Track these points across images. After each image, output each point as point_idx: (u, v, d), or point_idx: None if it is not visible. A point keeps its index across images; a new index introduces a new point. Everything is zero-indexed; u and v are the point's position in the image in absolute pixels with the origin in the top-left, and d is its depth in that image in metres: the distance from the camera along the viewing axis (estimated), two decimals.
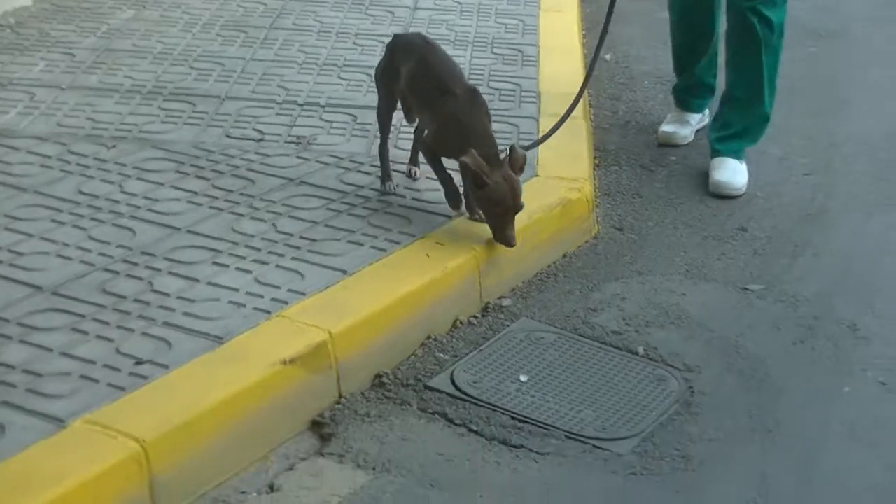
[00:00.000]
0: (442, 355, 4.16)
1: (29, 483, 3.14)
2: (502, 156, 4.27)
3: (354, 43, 6.41)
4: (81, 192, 4.65)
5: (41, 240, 4.30)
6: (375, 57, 5.84)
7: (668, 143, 5.94)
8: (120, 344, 3.71)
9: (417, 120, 4.73)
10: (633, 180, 5.51)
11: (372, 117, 5.16)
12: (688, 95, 5.99)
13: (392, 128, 4.83)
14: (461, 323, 4.33)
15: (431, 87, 4.45)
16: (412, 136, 4.87)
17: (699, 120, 6.02)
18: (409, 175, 4.81)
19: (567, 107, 5.07)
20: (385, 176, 4.72)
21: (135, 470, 3.31)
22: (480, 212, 4.38)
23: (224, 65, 5.96)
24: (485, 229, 4.38)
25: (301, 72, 5.95)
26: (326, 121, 5.39)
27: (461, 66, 4.97)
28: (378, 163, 4.88)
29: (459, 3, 7.23)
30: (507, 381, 4.06)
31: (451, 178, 4.44)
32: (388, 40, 4.89)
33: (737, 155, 5.57)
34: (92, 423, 3.39)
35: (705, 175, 5.49)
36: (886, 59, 7.11)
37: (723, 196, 5.51)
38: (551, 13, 7.15)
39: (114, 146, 5.02)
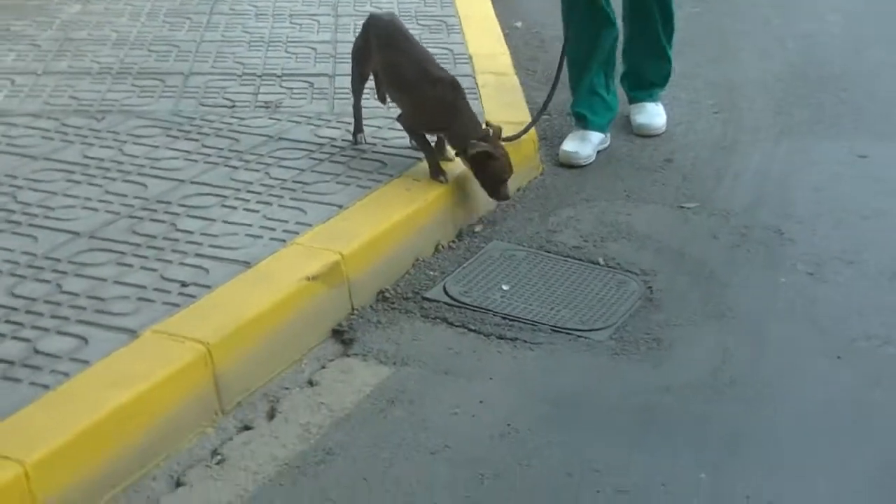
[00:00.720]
0: (431, 272, 4.78)
1: (117, 381, 3.66)
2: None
3: (291, 22, 7.00)
4: (87, 157, 5.15)
5: (64, 196, 4.79)
6: (314, 33, 6.54)
7: (568, 164, 5.90)
8: (163, 272, 4.25)
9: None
10: (564, 127, 6.14)
11: (326, 83, 5.81)
12: (588, 111, 5.96)
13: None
14: (442, 247, 4.94)
15: (411, 73, 5.09)
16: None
17: (601, 140, 6.02)
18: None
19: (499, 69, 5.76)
20: (357, 130, 5.32)
21: (202, 368, 3.85)
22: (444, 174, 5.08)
23: (179, 46, 6.51)
24: (451, 167, 5.13)
25: (251, 49, 6.52)
26: (287, 88, 5.97)
27: None
28: (347, 119, 5.51)
29: None
30: (492, 291, 4.68)
31: (433, 152, 5.11)
32: (362, 20, 5.50)
33: (652, 98, 6.20)
34: (160, 333, 3.92)
35: (628, 119, 6.17)
36: (763, 15, 7.90)
37: (646, 135, 6.15)
38: None
39: (103, 118, 5.52)
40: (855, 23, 7.74)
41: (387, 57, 5.11)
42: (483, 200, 5.14)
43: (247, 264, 4.30)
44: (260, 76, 6.07)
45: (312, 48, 6.46)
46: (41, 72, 6.06)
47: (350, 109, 5.49)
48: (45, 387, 3.59)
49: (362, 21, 5.46)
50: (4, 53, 6.28)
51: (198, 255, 4.35)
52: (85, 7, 7.11)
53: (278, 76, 6.08)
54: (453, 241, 4.97)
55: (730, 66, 6.95)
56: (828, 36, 7.50)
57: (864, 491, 3.64)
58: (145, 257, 4.33)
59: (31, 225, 4.55)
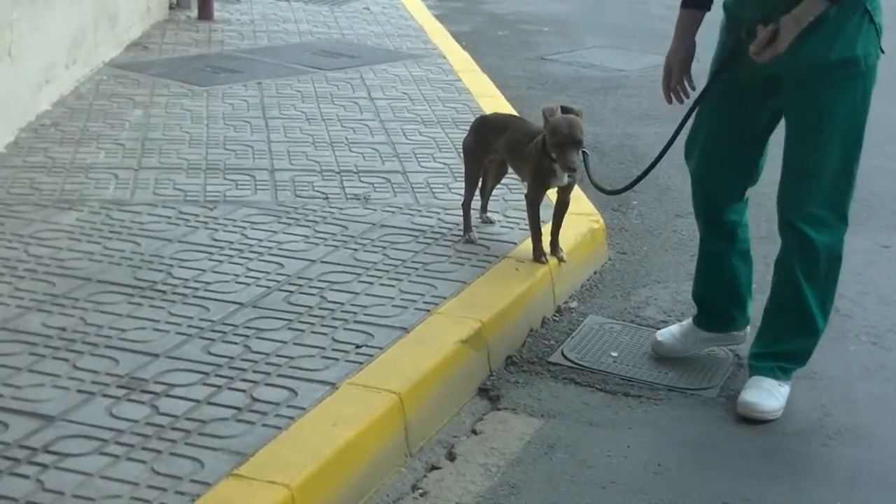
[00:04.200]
0: (546, 341, 5.37)
1: (337, 422, 4.21)
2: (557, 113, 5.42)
3: (343, 126, 7.59)
4: (216, 240, 5.68)
5: (214, 272, 5.31)
6: (369, 136, 7.18)
7: (661, 354, 5.35)
8: (334, 335, 4.79)
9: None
10: (613, 219, 6.81)
11: (401, 178, 6.43)
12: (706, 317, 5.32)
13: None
14: (548, 320, 5.55)
15: (525, 139, 5.72)
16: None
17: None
18: (488, 221, 6.06)
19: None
20: (467, 228, 5.94)
21: (398, 414, 4.41)
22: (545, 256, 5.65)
23: (252, 146, 7.08)
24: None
25: (318, 148, 7.12)
26: (367, 182, 6.57)
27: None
28: (436, 209, 6.23)
29: (406, 94, 8.46)
30: (604, 356, 5.29)
31: (541, 234, 5.67)
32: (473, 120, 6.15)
33: (774, 374, 4.92)
34: (356, 385, 4.47)
35: (668, 212, 6.92)
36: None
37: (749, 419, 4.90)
38: (486, 99, 8.45)
39: (214, 207, 6.07)
40: None
41: (502, 140, 5.74)
42: (572, 281, 5.77)
43: (405, 330, 4.84)
44: (338, 172, 6.64)
45: (374, 149, 7.05)
46: (137, 167, 6.56)
47: (436, 202, 6.20)
48: (278, 428, 4.07)
49: (410, 126, 6.24)
50: (95, 152, 6.78)
51: (357, 321, 4.89)
52: (147, 111, 7.61)
53: (355, 172, 6.66)
54: (556, 315, 5.57)
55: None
56: None
57: None
58: (311, 323, 4.86)
59: (196, 297, 5.04)
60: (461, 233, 5.91)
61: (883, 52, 4.60)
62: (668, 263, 6.23)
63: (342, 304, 5.03)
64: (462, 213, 5.93)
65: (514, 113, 7.29)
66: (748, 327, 5.31)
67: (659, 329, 5.45)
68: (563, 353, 5.21)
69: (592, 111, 8.84)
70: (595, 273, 6.04)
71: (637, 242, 6.51)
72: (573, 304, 5.67)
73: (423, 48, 9.98)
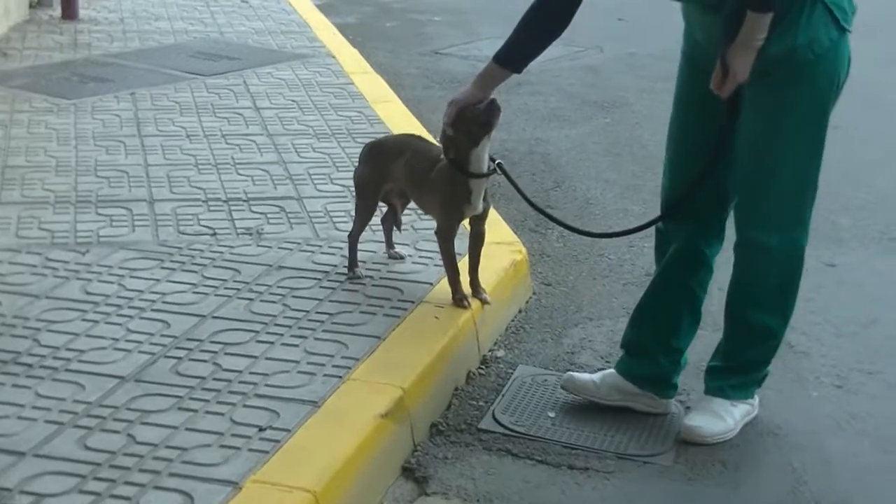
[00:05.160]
0: (474, 402, 4.70)
1: None
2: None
3: (228, 143, 6.82)
4: (90, 293, 4.94)
5: (88, 336, 4.61)
6: (256, 154, 6.39)
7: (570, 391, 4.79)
8: (232, 415, 4.10)
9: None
10: (532, 242, 6.13)
11: (297, 206, 5.68)
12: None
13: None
14: (473, 374, 4.87)
15: (426, 166, 5.01)
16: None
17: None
18: (396, 257, 5.35)
19: None
20: (353, 264, 5.23)
21: None
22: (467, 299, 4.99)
23: (128, 171, 6.30)
24: (466, 290, 5.06)
25: (202, 172, 6.35)
26: (259, 213, 5.83)
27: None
28: (338, 244, 5.50)
29: (294, 101, 7.70)
30: (541, 418, 4.62)
31: (458, 273, 5.02)
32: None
33: (724, 393, 4.59)
34: (262, 483, 3.77)
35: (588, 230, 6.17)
36: None
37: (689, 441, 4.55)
38: (382, 104, 7.72)
39: (87, 251, 5.29)
40: None
41: (399, 166, 5.04)
42: (495, 324, 5.07)
43: (314, 404, 4.16)
44: (226, 201, 5.90)
45: (264, 170, 6.32)
46: None
47: (337, 234, 5.52)
48: None
49: (302, 140, 5.65)
50: None
51: (258, 395, 4.22)
52: (6, 131, 6.82)
53: (244, 200, 5.94)
54: (481, 368, 4.92)
55: None
56: None
57: None
58: (205, 400, 4.17)
59: (68, 370, 4.33)
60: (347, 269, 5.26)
61: (847, 30, 4.10)
62: (598, 295, 5.58)
63: (239, 371, 4.35)
64: (349, 248, 5.25)
65: (412, 127, 6.65)
66: (672, 402, 4.74)
67: None
68: (494, 417, 4.55)
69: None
70: (520, 311, 5.38)
71: (562, 271, 5.85)
72: (500, 353, 5.01)
73: (309, 46, 9.24)
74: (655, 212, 4.60)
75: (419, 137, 5.22)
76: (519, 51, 4.45)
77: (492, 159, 4.77)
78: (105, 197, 5.92)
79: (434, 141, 4.99)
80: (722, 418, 4.56)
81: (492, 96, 4.62)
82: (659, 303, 4.58)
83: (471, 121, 4.65)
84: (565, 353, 5.08)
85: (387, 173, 5.06)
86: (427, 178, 4.88)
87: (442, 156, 4.79)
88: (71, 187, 6.04)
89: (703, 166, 4.27)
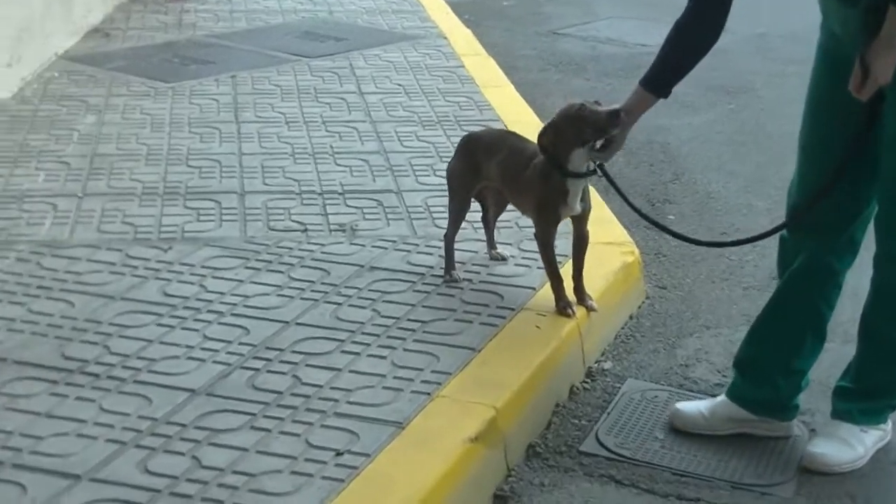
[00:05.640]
0: (576, 420, 4.30)
1: None
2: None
3: (328, 130, 6.45)
4: (168, 294, 4.63)
5: (161, 344, 4.26)
6: (357, 142, 6.00)
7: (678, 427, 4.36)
8: (308, 437, 3.81)
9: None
10: (647, 241, 5.67)
11: (395, 200, 5.28)
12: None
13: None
14: (577, 389, 4.46)
15: (522, 166, 4.60)
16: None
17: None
18: (498, 258, 4.91)
19: None
20: (449, 267, 4.83)
21: None
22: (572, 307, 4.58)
23: (220, 161, 5.96)
24: (571, 297, 4.65)
25: (298, 161, 5.98)
26: (355, 207, 5.47)
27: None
28: (435, 244, 5.10)
29: (401, 86, 7.30)
30: (648, 440, 4.20)
31: (562, 281, 4.63)
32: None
33: (853, 418, 4.16)
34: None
35: (712, 228, 5.87)
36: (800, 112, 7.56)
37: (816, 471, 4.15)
38: (492, 89, 7.29)
39: (169, 248, 4.97)
40: None
41: (495, 164, 4.66)
42: (603, 333, 4.65)
43: (398, 425, 3.76)
44: (321, 194, 5.52)
45: (363, 160, 5.93)
46: (81, 194, 5.45)
47: (436, 231, 5.14)
48: None
49: (406, 128, 5.26)
50: (33, 174, 5.70)
51: (338, 413, 3.84)
52: (100, 117, 6.52)
53: (340, 193, 5.57)
54: (586, 382, 4.51)
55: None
56: None
57: None
58: (280, 419, 3.82)
59: (137, 381, 4.00)
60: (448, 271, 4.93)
61: None
62: (717, 301, 5.13)
63: (320, 386, 4.02)
64: (444, 249, 4.87)
65: (524, 115, 6.48)
66: (795, 424, 4.30)
67: (714, 395, 4.43)
68: (597, 439, 4.14)
69: (613, 99, 7.63)
70: (631, 318, 4.96)
71: (678, 273, 5.40)
72: (607, 365, 4.58)
73: (420, 27, 8.84)
74: (781, 208, 4.13)
75: (516, 135, 4.81)
76: (669, 71, 4.13)
77: (592, 161, 4.30)
78: (194, 188, 5.61)
79: (532, 140, 4.53)
80: (851, 445, 4.11)
81: (616, 106, 4.22)
82: (780, 319, 4.11)
83: (587, 121, 4.21)
84: (679, 366, 4.64)
85: (480, 170, 4.65)
86: (522, 177, 4.49)
87: (539, 153, 4.34)
88: (160, 177, 5.73)
89: (834, 171, 3.77)
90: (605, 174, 4.34)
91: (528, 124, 6.46)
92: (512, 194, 4.64)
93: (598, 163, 4.35)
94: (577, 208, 4.41)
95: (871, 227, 4.00)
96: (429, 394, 3.98)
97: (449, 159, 5.00)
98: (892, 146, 3.79)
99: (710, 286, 5.32)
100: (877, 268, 3.98)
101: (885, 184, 3.87)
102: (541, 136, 4.35)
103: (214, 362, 4.13)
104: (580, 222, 4.51)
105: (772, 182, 6.38)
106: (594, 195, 4.81)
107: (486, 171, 4.64)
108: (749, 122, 7.56)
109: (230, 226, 5.22)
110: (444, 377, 4.08)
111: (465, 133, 5.00)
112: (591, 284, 4.68)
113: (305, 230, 5.20)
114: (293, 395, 3.96)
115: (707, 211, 6.13)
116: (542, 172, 4.39)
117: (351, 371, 4.10)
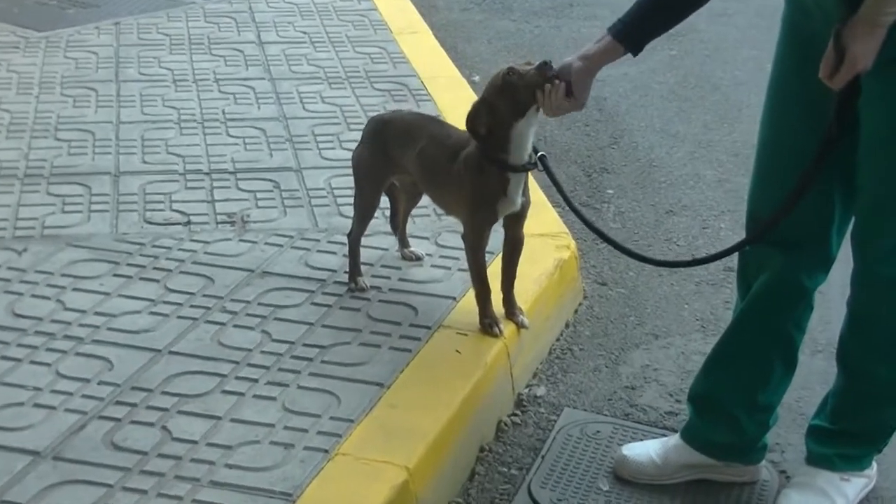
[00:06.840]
0: (505, 470, 3.64)
1: None
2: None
3: (221, 91, 5.64)
4: (17, 315, 3.85)
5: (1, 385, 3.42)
6: (253, 106, 5.19)
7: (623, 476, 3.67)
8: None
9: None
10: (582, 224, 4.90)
11: (294, 181, 4.50)
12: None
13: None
14: (505, 425, 3.76)
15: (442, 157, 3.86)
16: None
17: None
18: (411, 258, 4.15)
19: None
20: (355, 272, 4.04)
21: None
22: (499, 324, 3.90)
23: (94, 132, 5.15)
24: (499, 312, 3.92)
25: (184, 132, 5.17)
26: (247, 191, 4.72)
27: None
28: (339, 240, 4.38)
29: (305, 33, 6.49)
30: (591, 494, 3.55)
31: (489, 293, 3.94)
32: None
33: (831, 464, 3.55)
34: None
35: (656, 207, 5.21)
36: (749, 57, 6.88)
37: None
38: (408, 36, 6.50)
39: (24, 249, 4.17)
40: None
41: (411, 154, 3.91)
42: (534, 350, 3.94)
43: (287, 498, 2.98)
44: (208, 173, 4.74)
45: (260, 129, 5.12)
46: None
47: (341, 222, 4.48)
48: None
49: (310, 87, 4.68)
50: None
51: (214, 482, 3.05)
52: None
53: (231, 172, 4.77)
54: (515, 415, 3.83)
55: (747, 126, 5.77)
56: None
57: None
58: (143, 491, 3.00)
59: None
60: (357, 280, 4.23)
61: None
62: (665, 300, 4.47)
63: (195, 442, 3.41)
64: (348, 251, 4.16)
65: (443, 66, 5.95)
66: (763, 467, 3.64)
67: (667, 432, 3.78)
68: (530, 493, 3.47)
69: (543, 43, 6.92)
70: (567, 326, 4.24)
71: (620, 264, 4.74)
72: (539, 391, 3.90)
73: None
74: (733, 179, 3.38)
75: (437, 120, 4.05)
76: (648, 27, 3.35)
77: (534, 150, 3.53)
78: (60, 168, 4.81)
79: (457, 126, 3.75)
80: (830, 498, 3.47)
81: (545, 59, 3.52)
82: (742, 347, 3.48)
83: (518, 86, 3.53)
84: (623, 389, 3.98)
85: (393, 163, 3.84)
86: (448, 171, 3.69)
87: (467, 142, 3.61)
88: (21, 154, 4.91)
89: (803, 177, 3.03)
90: (548, 169, 3.57)
91: (448, 79, 5.85)
92: (435, 192, 3.90)
93: (539, 154, 3.54)
94: (518, 203, 3.64)
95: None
96: (326, 450, 3.26)
97: (358, 127, 4.24)
98: (871, 150, 3.12)
99: (657, 280, 4.62)
100: (854, 289, 3.33)
101: (864, 194, 3.19)
102: (471, 119, 3.56)
103: (67, 410, 3.41)
104: (516, 222, 3.80)
105: (721, 146, 5.69)
106: None
107: (401, 163, 3.85)
108: (693, 70, 6.82)
109: (99, 218, 4.45)
110: (345, 426, 3.35)
111: (373, 116, 4.20)
112: (523, 290, 3.99)
113: (188, 223, 4.45)
114: (160, 455, 3.23)
115: (650, 183, 5.39)
116: (474, 164, 3.59)
117: (232, 420, 3.36)
